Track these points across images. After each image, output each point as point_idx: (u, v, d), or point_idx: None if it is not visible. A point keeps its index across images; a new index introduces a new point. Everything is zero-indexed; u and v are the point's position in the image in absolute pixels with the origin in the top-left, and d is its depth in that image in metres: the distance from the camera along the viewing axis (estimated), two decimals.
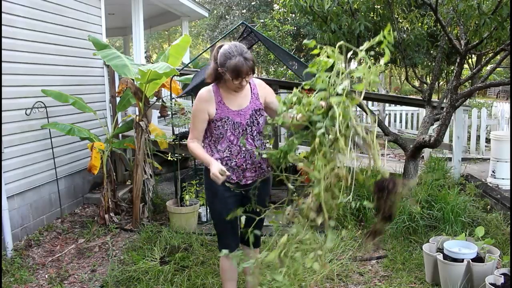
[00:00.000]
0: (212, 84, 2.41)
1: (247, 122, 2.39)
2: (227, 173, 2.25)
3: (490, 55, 4.53)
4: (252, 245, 2.42)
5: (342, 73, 1.68)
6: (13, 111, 4.01)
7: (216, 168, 2.22)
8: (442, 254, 2.98)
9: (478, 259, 2.95)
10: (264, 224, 3.35)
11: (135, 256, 3.51)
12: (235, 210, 2.22)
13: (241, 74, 2.22)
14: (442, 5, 4.17)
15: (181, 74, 5.05)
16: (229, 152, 2.39)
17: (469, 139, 7.14)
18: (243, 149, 2.40)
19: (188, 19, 9.40)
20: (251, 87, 2.46)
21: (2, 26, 3.81)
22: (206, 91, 2.38)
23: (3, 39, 3.80)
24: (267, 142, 2.63)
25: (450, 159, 5.48)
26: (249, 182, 2.46)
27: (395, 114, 10.33)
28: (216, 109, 2.35)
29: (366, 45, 1.64)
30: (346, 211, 4.05)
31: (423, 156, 5.86)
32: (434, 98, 6.12)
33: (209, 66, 2.47)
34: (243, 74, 2.23)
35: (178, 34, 22.37)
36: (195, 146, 2.43)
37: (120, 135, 5.34)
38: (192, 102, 5.07)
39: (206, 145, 2.47)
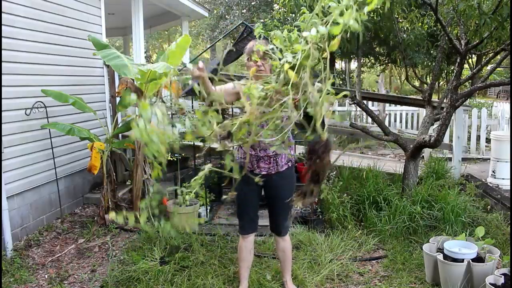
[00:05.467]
0: None
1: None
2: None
3: (490, 55, 4.53)
4: (277, 234, 2.85)
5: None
6: (13, 111, 4.01)
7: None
8: (442, 254, 2.98)
9: (478, 259, 2.95)
10: (265, 224, 3.36)
11: (135, 256, 3.51)
12: (251, 198, 2.67)
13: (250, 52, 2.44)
14: (442, 5, 4.17)
15: (181, 74, 5.04)
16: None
17: (469, 139, 7.13)
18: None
19: (188, 19, 9.39)
20: None
21: (2, 26, 3.81)
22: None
23: (3, 39, 3.80)
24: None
25: (450, 159, 5.48)
26: (263, 172, 2.62)
27: (395, 114, 10.33)
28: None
29: None
30: (346, 211, 4.05)
31: (423, 156, 5.86)
32: (434, 98, 6.12)
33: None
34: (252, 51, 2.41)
35: (178, 34, 22.35)
36: None
37: (120, 135, 5.34)
38: (192, 102, 5.09)
39: None
